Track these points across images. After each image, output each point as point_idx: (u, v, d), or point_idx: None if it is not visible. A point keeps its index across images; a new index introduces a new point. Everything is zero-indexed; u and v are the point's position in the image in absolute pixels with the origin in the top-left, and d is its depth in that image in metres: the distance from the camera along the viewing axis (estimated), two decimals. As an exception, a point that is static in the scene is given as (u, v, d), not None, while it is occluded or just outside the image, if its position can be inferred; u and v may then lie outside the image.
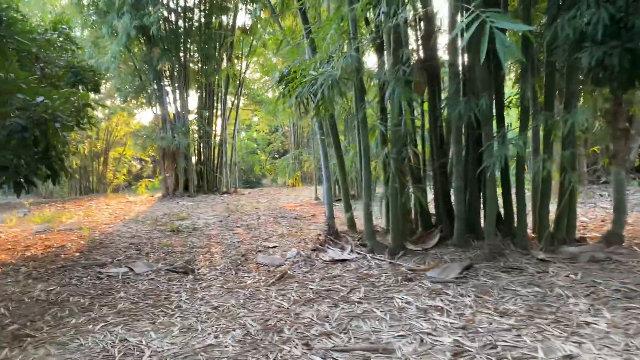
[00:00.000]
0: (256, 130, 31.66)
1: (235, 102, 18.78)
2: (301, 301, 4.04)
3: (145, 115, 42.23)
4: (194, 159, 17.16)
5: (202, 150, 17.33)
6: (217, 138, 17.90)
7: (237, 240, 7.22)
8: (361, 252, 5.43)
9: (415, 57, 5.74)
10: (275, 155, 30.19)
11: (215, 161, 17.59)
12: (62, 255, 6.35)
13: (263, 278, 4.90)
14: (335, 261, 5.25)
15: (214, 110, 17.47)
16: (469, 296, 3.91)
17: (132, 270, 5.48)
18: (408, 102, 4.98)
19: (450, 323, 3.36)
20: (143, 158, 28.01)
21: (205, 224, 9.15)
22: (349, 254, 5.40)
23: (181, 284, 4.85)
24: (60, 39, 6.83)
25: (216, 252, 6.39)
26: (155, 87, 15.96)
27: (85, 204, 15.11)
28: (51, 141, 4.06)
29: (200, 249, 6.70)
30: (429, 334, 3.18)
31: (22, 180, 3.99)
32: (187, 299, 4.30)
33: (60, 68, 5.87)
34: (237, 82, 18.02)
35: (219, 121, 17.89)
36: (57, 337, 3.39)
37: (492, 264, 4.79)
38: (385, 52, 5.17)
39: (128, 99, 17.74)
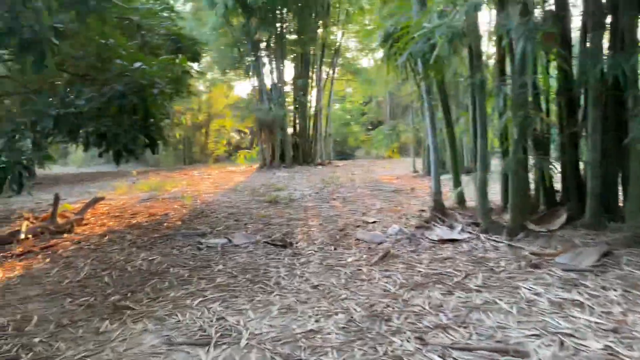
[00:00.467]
0: (350, 101, 31.18)
1: (330, 72, 18.43)
2: (409, 285, 3.63)
3: (243, 87, 43.36)
4: (289, 130, 17.17)
5: (297, 121, 17.28)
6: (312, 109, 17.73)
7: (335, 213, 6.92)
8: (473, 232, 4.87)
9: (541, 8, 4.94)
10: (369, 127, 29.56)
11: (310, 132, 17.47)
12: (165, 224, 6.46)
13: (364, 256, 4.54)
14: (443, 241, 4.74)
15: (309, 81, 17.27)
16: (615, 290, 3.26)
17: (231, 241, 5.38)
18: (534, 59, 4.25)
19: (596, 323, 2.77)
20: (242, 129, 28.75)
21: (301, 196, 8.99)
22: (459, 234, 4.86)
23: (279, 259, 4.63)
24: (163, 7, 6.80)
25: (314, 226, 6.14)
26: (253, 58, 16.03)
27: (189, 173, 15.74)
28: (149, 108, 3.95)
29: (297, 221, 6.50)
30: (570, 335, 2.64)
31: (121, 149, 3.94)
32: (285, 275, 4.06)
33: (160, 36, 5.83)
34: (333, 50, 17.62)
35: (314, 92, 17.69)
36: (155, 310, 3.29)
37: (636, 250, 4.03)
38: (508, 3, 4.44)
39: (226, 71, 18.06)
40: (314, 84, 17.56)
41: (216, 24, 13.71)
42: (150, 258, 4.70)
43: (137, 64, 3.83)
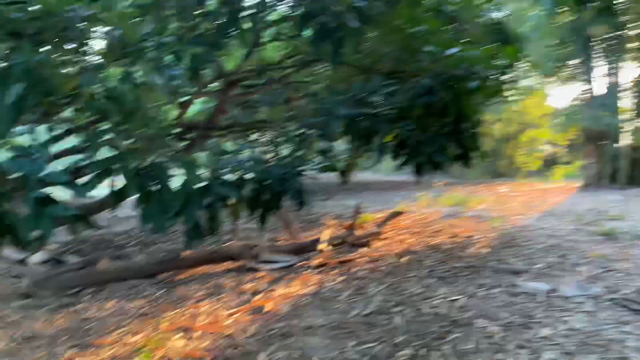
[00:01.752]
0: None
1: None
2: None
3: (564, 93, 39.27)
4: (625, 143, 13.90)
5: (638, 132, 13.80)
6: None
7: None
8: None
9: None
10: None
11: (659, 146, 13.71)
12: (469, 250, 5.46)
13: None
14: None
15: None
16: None
17: (556, 289, 4.01)
18: None
19: None
20: (555, 142, 25.52)
21: (651, 231, 6.66)
22: None
23: (642, 336, 3.05)
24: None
25: (689, 283, 4.14)
26: (582, 58, 13.56)
27: (494, 188, 14.41)
28: (463, 109, 3.03)
29: (656, 271, 4.56)
30: None
31: (424, 160, 3.14)
32: (663, 376, 2.52)
33: (480, 26, 4.88)
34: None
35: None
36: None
37: None
38: None
39: (549, 75, 15.91)
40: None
41: (539, 21, 11.97)
42: (451, 297, 3.78)
43: (452, 50, 2.98)
